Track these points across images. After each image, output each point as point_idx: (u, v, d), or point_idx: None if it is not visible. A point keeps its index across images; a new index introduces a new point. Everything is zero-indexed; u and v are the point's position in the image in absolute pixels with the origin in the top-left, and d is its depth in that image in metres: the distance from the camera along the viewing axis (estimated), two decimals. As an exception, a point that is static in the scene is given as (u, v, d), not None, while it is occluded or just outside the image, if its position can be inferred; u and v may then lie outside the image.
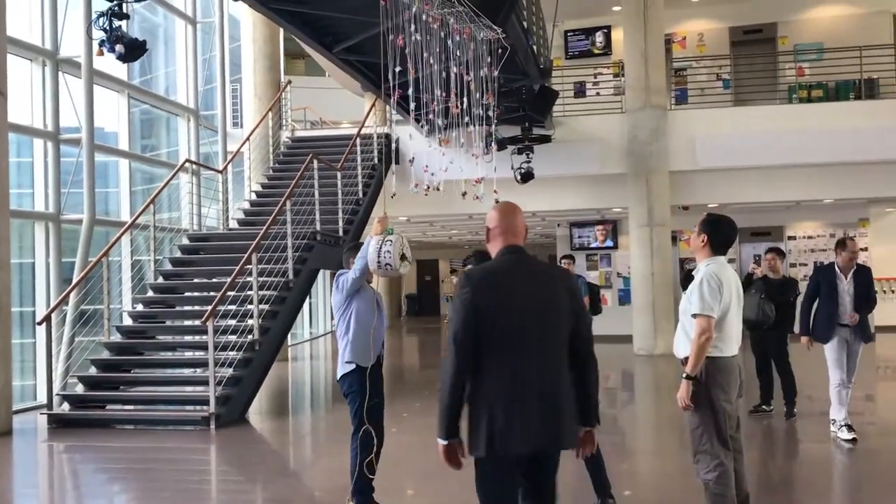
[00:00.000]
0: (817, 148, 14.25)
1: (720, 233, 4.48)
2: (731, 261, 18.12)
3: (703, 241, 4.47)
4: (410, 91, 8.66)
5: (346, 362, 5.26)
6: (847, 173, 14.99)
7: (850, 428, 7.17)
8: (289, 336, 18.05)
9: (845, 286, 7.14)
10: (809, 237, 18.10)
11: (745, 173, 15.25)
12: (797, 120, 14.71)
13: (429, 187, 10.53)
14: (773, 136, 14.38)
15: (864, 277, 7.20)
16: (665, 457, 7.31)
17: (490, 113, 9.91)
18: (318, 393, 13.07)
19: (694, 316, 4.32)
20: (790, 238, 18.15)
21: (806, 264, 17.96)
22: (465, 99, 9.24)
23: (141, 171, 14.42)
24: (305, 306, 21.99)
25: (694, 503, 5.47)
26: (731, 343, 4.44)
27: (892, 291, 18.49)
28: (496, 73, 9.18)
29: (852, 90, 16.22)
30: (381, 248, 5.04)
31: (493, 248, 3.36)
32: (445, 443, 3.16)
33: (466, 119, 9.56)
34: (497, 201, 9.82)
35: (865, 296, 7.14)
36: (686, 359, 4.37)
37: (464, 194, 10.27)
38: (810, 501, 5.81)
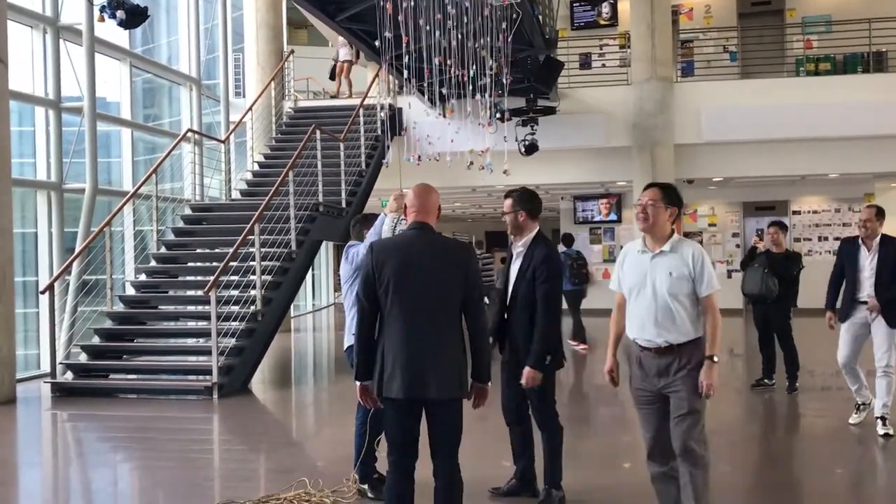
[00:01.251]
0: (824, 122, 14.12)
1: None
2: (734, 235, 18.27)
3: (671, 214, 4.07)
4: (407, 59, 8.55)
5: (353, 333, 5.22)
6: (853, 147, 14.86)
7: (859, 407, 6.93)
8: (292, 308, 18.12)
9: (865, 260, 6.56)
10: (814, 212, 18.01)
11: (750, 147, 15.13)
12: (804, 93, 14.57)
13: (420, 157, 10.47)
14: (780, 110, 14.24)
15: (890, 249, 6.46)
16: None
17: (503, 81, 9.82)
18: (320, 364, 13.11)
19: (706, 296, 3.97)
20: (794, 213, 18.07)
21: (810, 239, 17.91)
22: (472, 68, 9.15)
23: (143, 140, 14.35)
24: (308, 278, 22.03)
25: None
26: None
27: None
28: (510, 40, 9.07)
29: (860, 63, 16.04)
30: (395, 227, 5.03)
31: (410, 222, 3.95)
32: (358, 383, 3.86)
33: (472, 88, 9.46)
34: (506, 172, 9.80)
35: (890, 271, 6.39)
36: (672, 345, 3.99)
37: (469, 164, 10.23)
38: (810, 475, 5.82)
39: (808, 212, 18.03)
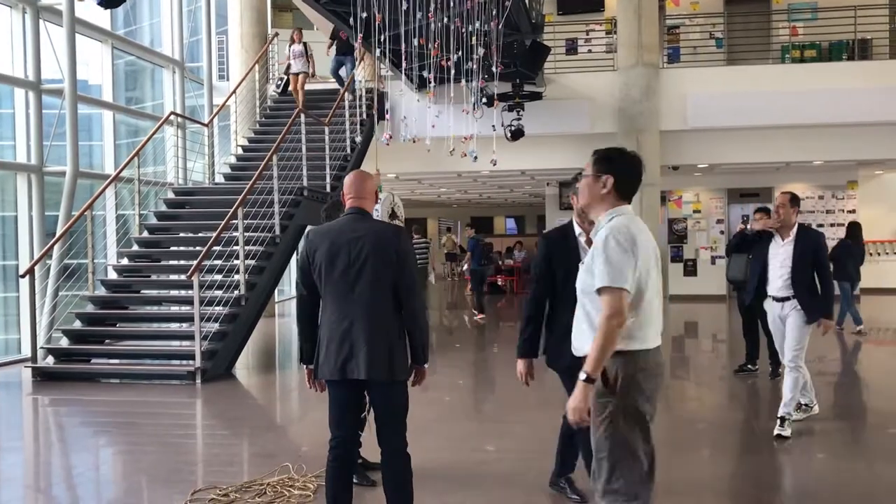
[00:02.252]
0: (808, 109, 14.17)
1: (628, 173, 3.31)
2: (719, 221, 18.35)
3: (604, 186, 3.26)
4: (387, 41, 8.48)
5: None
6: (837, 135, 14.93)
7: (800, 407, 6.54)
8: (276, 292, 18.04)
9: (778, 250, 6.15)
10: (798, 199, 18.10)
11: (735, 134, 15.16)
12: (789, 80, 14.59)
13: (391, 136, 10.40)
14: (765, 97, 14.27)
15: (808, 244, 6.04)
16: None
17: (493, 67, 9.75)
18: (304, 349, 13.05)
19: (599, 291, 3.07)
20: (779, 199, 18.14)
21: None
22: (458, 52, 9.08)
23: (125, 123, 14.21)
24: (292, 263, 21.94)
25: (676, 460, 5.51)
26: (653, 330, 3.19)
27: (879, 254, 18.58)
28: (500, 27, 9.01)
29: (845, 51, 16.09)
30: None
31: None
32: (304, 367, 4.07)
33: (455, 73, 9.39)
34: (494, 163, 9.76)
35: (802, 266, 5.97)
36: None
37: (451, 151, 10.17)
38: (792, 460, 5.85)
39: (792, 199, 18.09)
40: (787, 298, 6.08)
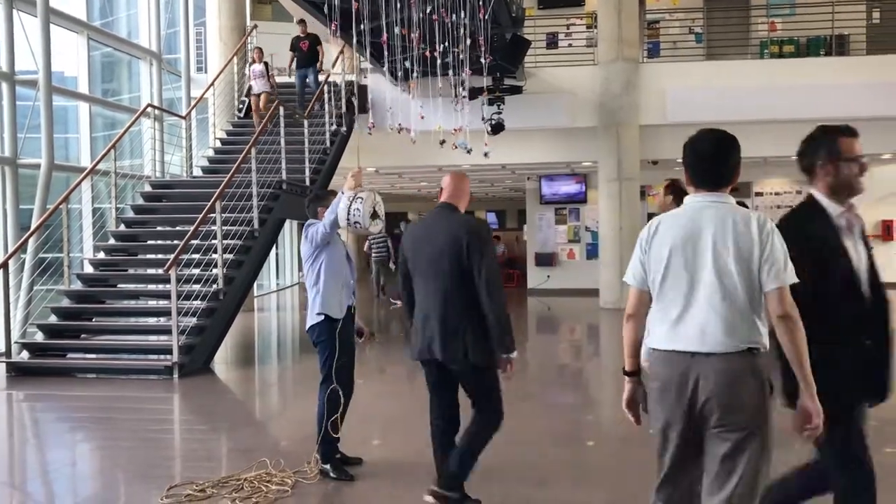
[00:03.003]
0: (787, 104, 14.25)
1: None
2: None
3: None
4: (364, 31, 8.41)
5: (317, 314, 5.15)
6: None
7: None
8: (255, 287, 17.93)
9: None
10: (776, 193, 18.21)
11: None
12: (768, 76, 14.67)
13: (374, 125, 10.35)
14: (744, 92, 14.34)
15: None
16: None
17: (482, 60, 9.71)
18: (284, 343, 13.01)
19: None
20: (757, 194, 18.26)
21: (773, 220, 18.09)
22: (442, 43, 9.03)
23: (102, 116, 14.05)
24: (272, 257, 21.83)
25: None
26: (671, 327, 2.92)
27: (855, 248, 18.74)
28: (487, 17, 8.96)
29: (823, 46, 16.20)
30: (351, 204, 4.90)
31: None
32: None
33: (439, 64, 9.34)
34: (486, 154, 9.68)
35: None
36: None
37: (442, 142, 10.14)
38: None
39: (771, 193, 18.22)
40: None
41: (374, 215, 4.96)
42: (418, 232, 4.32)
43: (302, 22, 13.74)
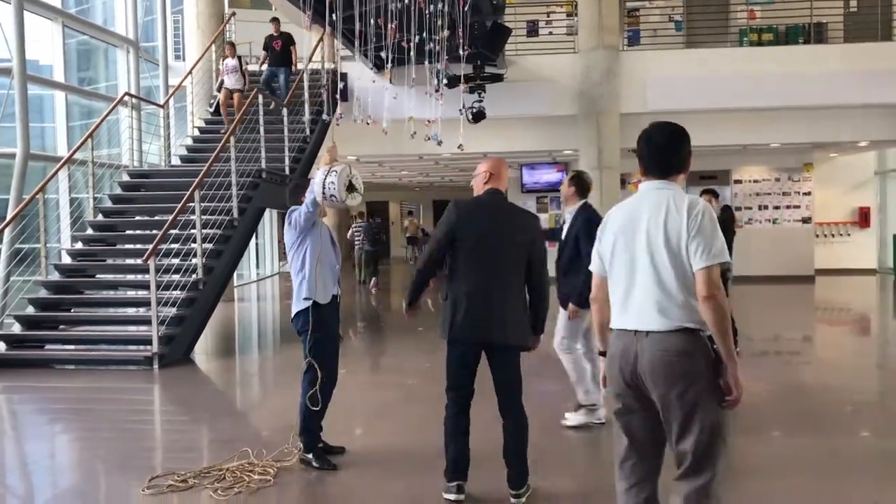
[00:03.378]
0: (766, 92, 14.32)
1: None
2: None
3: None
4: (336, 15, 8.34)
5: (304, 298, 5.10)
6: (793, 118, 15.14)
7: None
8: (235, 276, 17.82)
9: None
10: (755, 181, 18.35)
11: (694, 116, 15.15)
12: (748, 63, 14.71)
13: (341, 115, 10.26)
14: (724, 80, 14.40)
15: (577, 220, 5.75)
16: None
17: (460, 50, 9.64)
18: (265, 333, 12.95)
19: None
20: (736, 182, 18.38)
21: (751, 208, 18.25)
22: (420, 33, 8.97)
23: (79, 105, 13.88)
24: (252, 246, 21.69)
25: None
26: (620, 307, 3.11)
27: (832, 235, 18.93)
28: (466, 9, 8.90)
29: (801, 35, 16.27)
30: (325, 178, 4.86)
31: (481, 189, 4.44)
32: (407, 306, 4.67)
33: (415, 54, 9.27)
34: (460, 147, 9.65)
35: (572, 246, 5.71)
36: None
37: (413, 134, 10.08)
38: (745, 440, 5.92)
39: (750, 181, 18.35)
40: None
41: (351, 188, 4.92)
42: (479, 214, 4.33)
43: (275, 20, 13.49)
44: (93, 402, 7.48)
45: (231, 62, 13.04)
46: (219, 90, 13.51)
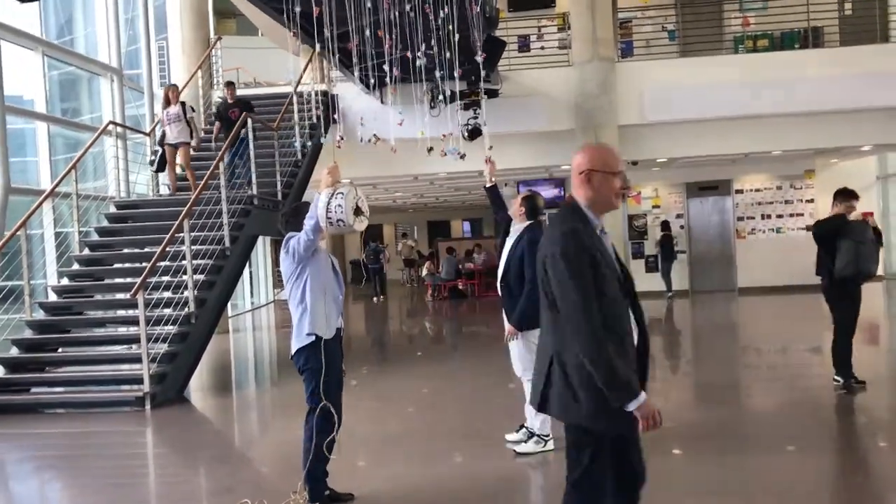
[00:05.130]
0: (765, 99, 14.04)
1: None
2: (678, 216, 18.16)
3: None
4: (330, 34, 8.01)
5: (307, 334, 4.67)
6: (794, 124, 14.82)
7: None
8: (229, 307, 17.38)
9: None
10: (757, 190, 18.00)
11: (693, 126, 14.98)
12: (745, 70, 14.45)
13: (342, 138, 9.98)
14: (722, 88, 14.11)
15: (524, 238, 5.63)
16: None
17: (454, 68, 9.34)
18: (262, 366, 12.49)
19: None
20: (738, 191, 18.04)
21: (753, 217, 17.90)
22: (423, 46, 8.65)
23: (63, 136, 13.49)
24: (246, 275, 21.27)
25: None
26: None
27: (836, 242, 18.57)
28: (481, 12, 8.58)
29: (797, 40, 16.02)
30: (330, 201, 4.44)
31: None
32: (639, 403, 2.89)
33: (414, 69, 8.94)
34: (463, 157, 9.38)
35: (518, 265, 5.62)
36: None
37: (430, 150, 9.81)
38: (761, 458, 5.53)
39: (751, 190, 18.01)
40: None
41: (358, 211, 4.50)
42: (598, 237, 3.03)
43: (230, 85, 11.97)
44: (81, 448, 7.02)
45: (173, 110, 11.05)
46: (160, 144, 11.46)
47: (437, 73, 9.52)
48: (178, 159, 11.25)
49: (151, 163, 11.74)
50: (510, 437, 5.93)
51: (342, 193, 4.42)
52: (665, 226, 17.78)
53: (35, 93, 12.29)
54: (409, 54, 8.99)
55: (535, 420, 5.67)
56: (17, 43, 11.58)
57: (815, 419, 6.55)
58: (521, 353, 5.67)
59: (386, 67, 8.53)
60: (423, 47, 8.94)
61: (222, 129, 11.49)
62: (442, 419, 7.24)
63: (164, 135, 11.21)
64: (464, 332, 15.27)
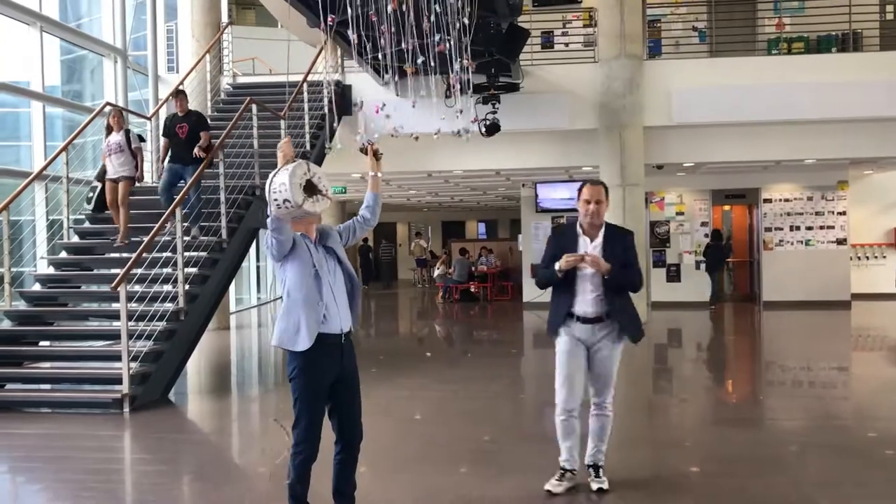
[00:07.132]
0: (800, 103, 13.30)
1: None
2: (703, 224, 17.41)
3: None
4: (350, 30, 7.39)
5: (272, 344, 4.11)
6: (828, 132, 14.06)
7: (564, 474, 4.88)
8: (233, 302, 16.79)
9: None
10: (786, 200, 17.15)
11: (722, 130, 14.25)
12: (780, 73, 13.70)
13: (377, 135, 9.50)
14: (755, 90, 13.37)
15: (617, 247, 4.83)
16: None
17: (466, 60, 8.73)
18: (262, 366, 11.81)
19: None
20: (766, 201, 17.23)
21: (781, 228, 17.10)
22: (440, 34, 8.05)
23: (64, 119, 12.92)
24: (253, 269, 20.69)
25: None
26: None
27: (867, 258, 17.78)
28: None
29: (835, 44, 15.23)
30: (273, 179, 3.86)
31: None
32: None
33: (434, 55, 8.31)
34: (461, 134, 8.77)
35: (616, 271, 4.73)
36: None
37: (458, 132, 9.38)
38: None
39: (780, 200, 17.19)
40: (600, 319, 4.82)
41: (312, 189, 3.85)
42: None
43: (180, 94, 9.87)
44: (45, 453, 6.36)
45: (115, 138, 9.38)
46: (99, 179, 9.93)
47: (456, 63, 8.85)
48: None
49: (89, 200, 10.22)
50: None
51: (286, 170, 3.79)
52: (716, 235, 17.31)
53: (32, 72, 11.70)
54: (425, 41, 8.35)
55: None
56: (13, 16, 10.99)
57: None
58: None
59: (405, 49, 7.88)
60: (440, 35, 8.29)
61: (169, 148, 9.64)
62: (447, 429, 6.56)
63: (103, 169, 9.63)
64: (473, 336, 14.60)
